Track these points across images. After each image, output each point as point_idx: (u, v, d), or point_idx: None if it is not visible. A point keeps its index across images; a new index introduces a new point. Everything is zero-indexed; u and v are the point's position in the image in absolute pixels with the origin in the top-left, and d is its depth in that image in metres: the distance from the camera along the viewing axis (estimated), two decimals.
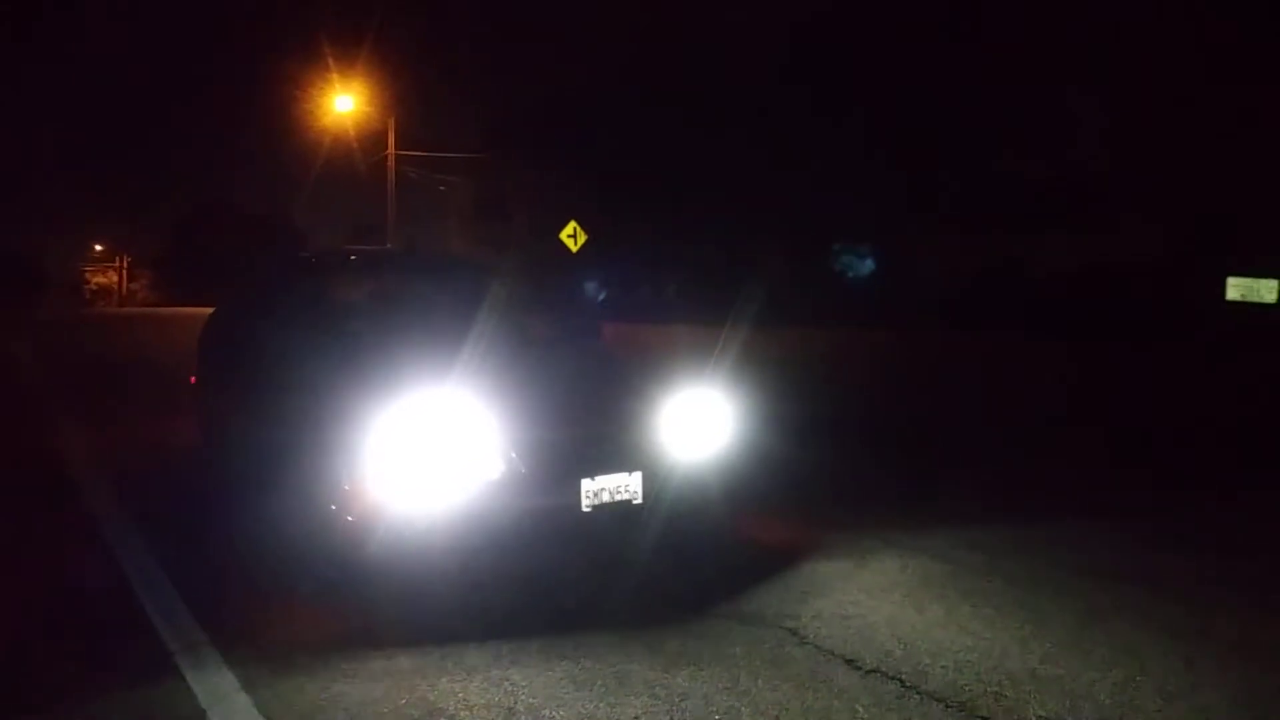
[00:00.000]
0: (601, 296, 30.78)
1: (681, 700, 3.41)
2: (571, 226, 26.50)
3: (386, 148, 32.31)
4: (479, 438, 4.37)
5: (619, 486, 4.55)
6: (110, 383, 13.23)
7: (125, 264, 35.81)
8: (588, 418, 4.67)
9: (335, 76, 30.25)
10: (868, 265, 34.28)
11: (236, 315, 6.70)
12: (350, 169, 34.33)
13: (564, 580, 4.54)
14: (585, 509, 4.47)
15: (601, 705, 3.37)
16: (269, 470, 5.19)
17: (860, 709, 3.34)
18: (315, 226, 38.47)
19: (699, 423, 4.89)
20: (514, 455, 4.38)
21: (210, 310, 7.71)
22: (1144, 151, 27.18)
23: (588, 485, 4.48)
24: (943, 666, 3.66)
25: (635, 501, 4.58)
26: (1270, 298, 25.59)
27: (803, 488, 6.53)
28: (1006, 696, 3.42)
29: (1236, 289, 26.07)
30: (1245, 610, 4.31)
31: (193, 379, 7.63)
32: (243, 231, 35.03)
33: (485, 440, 4.38)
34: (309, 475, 4.68)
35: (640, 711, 3.33)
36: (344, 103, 30.87)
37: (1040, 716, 3.28)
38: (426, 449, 4.31)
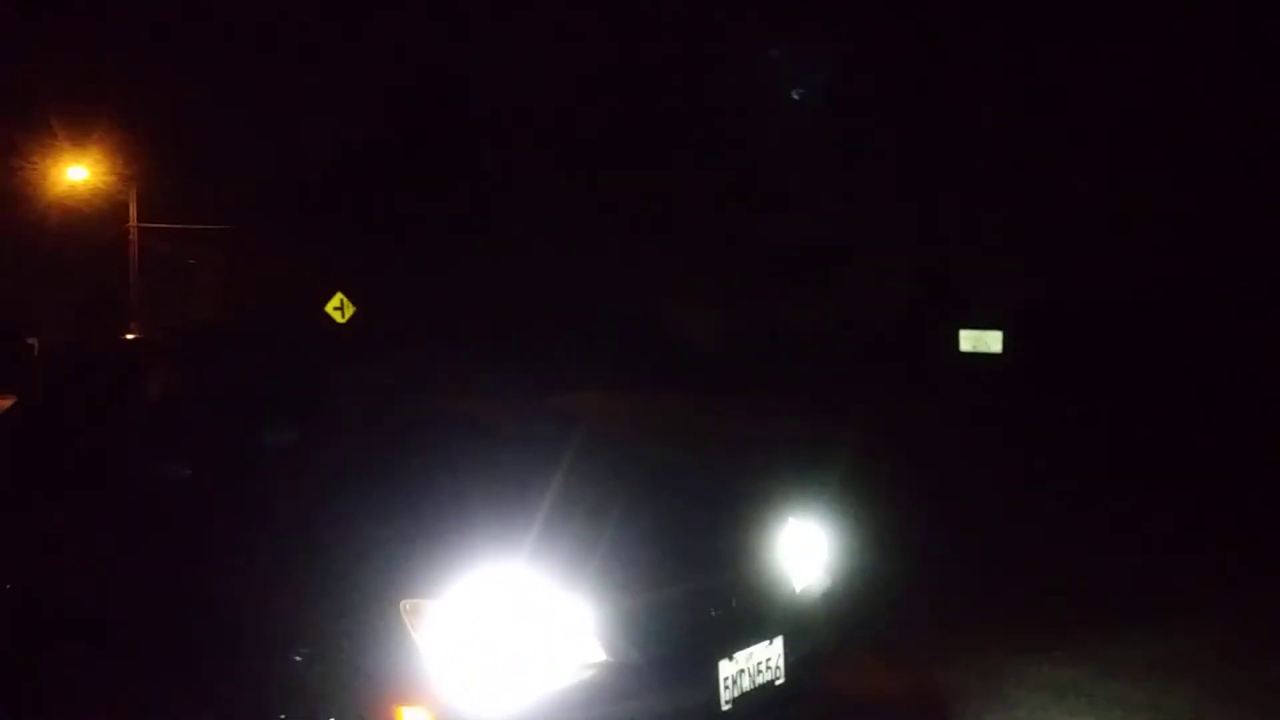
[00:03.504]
0: None
1: None
2: (338, 298, 24.07)
3: (127, 220, 28.28)
4: (569, 618, 2.70)
5: (761, 664, 2.99)
6: None
7: None
8: (708, 567, 3.07)
9: (67, 144, 26.11)
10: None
11: (85, 417, 4.40)
12: (81, 246, 29.82)
13: None
14: (724, 707, 2.88)
15: None
16: (171, 671, 3.18)
17: None
18: (43, 307, 33.05)
19: (812, 552, 3.43)
20: (622, 638, 2.74)
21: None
22: (879, 220, 28.38)
23: (726, 670, 2.89)
24: None
25: (779, 682, 3.03)
26: (996, 347, 27.17)
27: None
28: None
29: (968, 340, 27.53)
30: None
31: None
32: None
33: (578, 621, 2.71)
34: (271, 686, 2.79)
35: None
36: (77, 172, 26.69)
37: None
38: (501, 644, 2.60)
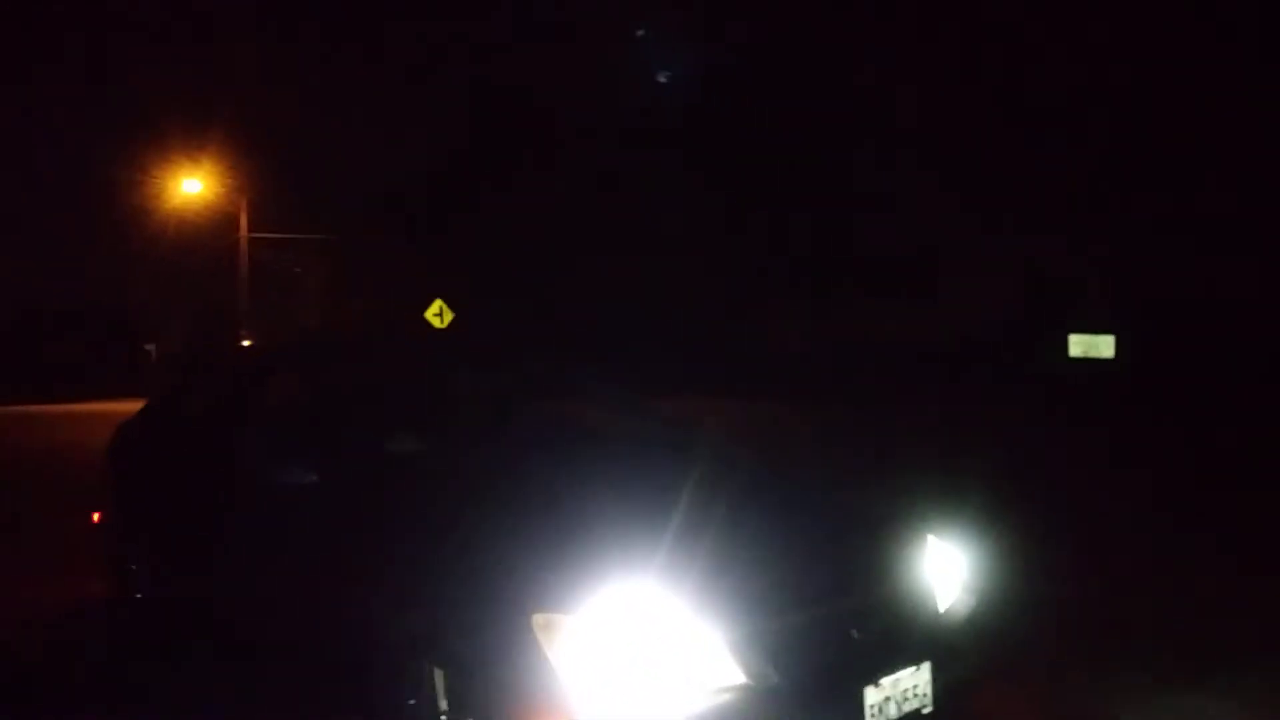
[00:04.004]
0: None
1: None
2: (438, 305, 24.48)
3: (237, 231, 29.29)
4: (706, 638, 2.56)
5: (908, 690, 2.79)
6: None
7: None
8: (849, 587, 2.89)
9: (181, 158, 27.17)
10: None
11: (209, 423, 4.43)
12: (195, 256, 30.98)
13: None
14: None
15: None
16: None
17: None
18: (159, 314, 34.47)
19: (954, 572, 3.21)
20: (762, 660, 2.58)
21: (130, 416, 5.40)
22: (984, 221, 27.48)
23: (872, 697, 2.70)
24: None
25: (926, 710, 2.83)
26: (1108, 352, 26.11)
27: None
28: None
29: (1078, 345, 26.52)
30: None
31: (96, 515, 5.36)
32: (84, 326, 30.93)
33: (716, 641, 2.57)
34: (404, 698, 2.72)
35: None
36: (191, 185, 27.75)
37: None
38: (636, 663, 2.48)
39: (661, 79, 29.82)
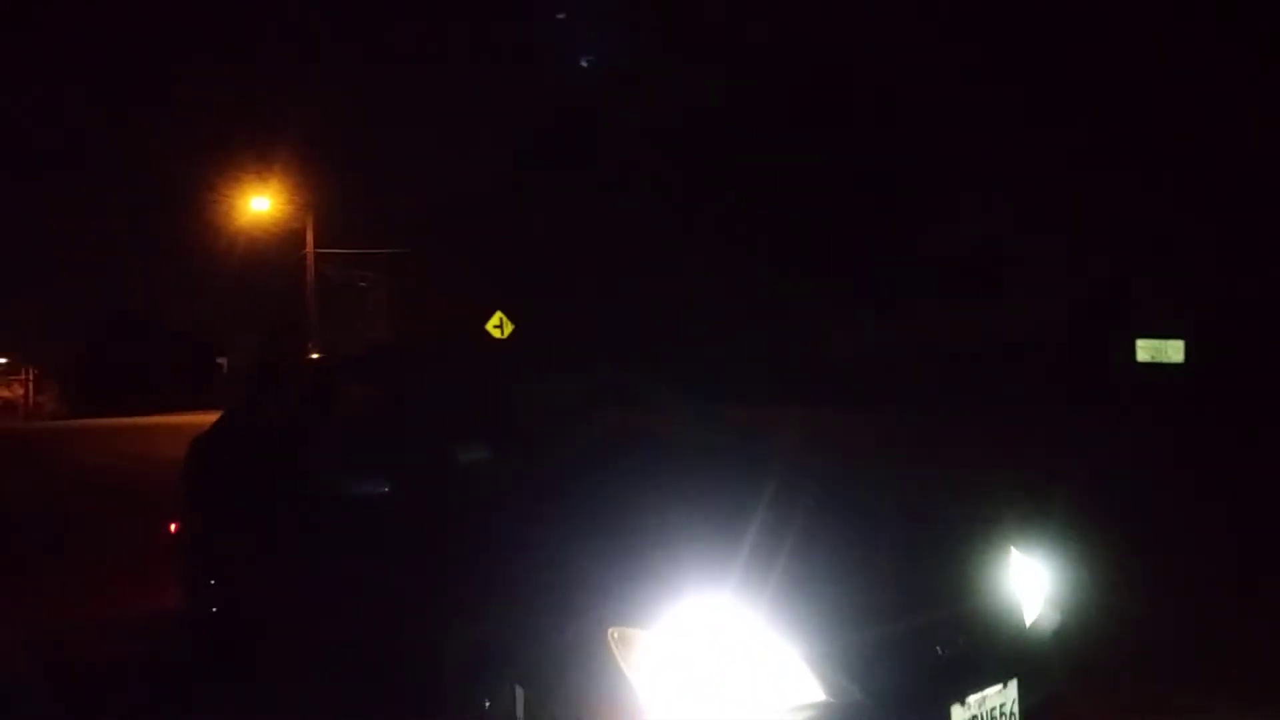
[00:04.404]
0: None
1: None
2: (498, 316, 24.70)
3: (304, 247, 29.87)
4: (786, 653, 2.49)
5: (995, 709, 2.69)
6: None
7: (32, 376, 31.94)
8: (933, 601, 2.79)
9: (250, 176, 27.82)
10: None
11: (281, 435, 4.46)
12: (263, 271, 31.67)
13: None
14: None
15: None
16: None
17: None
18: (230, 329, 35.33)
19: (1038, 586, 3.09)
20: (844, 677, 2.50)
21: (204, 429, 5.47)
22: (1037, 226, 26.84)
23: (959, 716, 2.60)
24: None
25: None
26: (1178, 357, 25.36)
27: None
28: None
29: (1146, 350, 25.80)
30: None
31: (173, 525, 5.44)
32: (157, 340, 31.84)
33: (796, 657, 2.49)
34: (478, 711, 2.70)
35: None
36: (260, 203, 28.40)
37: None
38: (715, 679, 2.41)
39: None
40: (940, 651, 2.67)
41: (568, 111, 32.74)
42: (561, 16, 30.85)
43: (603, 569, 2.64)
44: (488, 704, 2.81)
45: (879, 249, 29.02)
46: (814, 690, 2.50)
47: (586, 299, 30.91)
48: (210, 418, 5.70)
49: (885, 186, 28.73)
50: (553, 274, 31.79)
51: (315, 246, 29.88)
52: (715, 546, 2.70)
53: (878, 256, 29.02)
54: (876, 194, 28.89)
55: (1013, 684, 2.74)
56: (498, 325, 24.55)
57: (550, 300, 30.60)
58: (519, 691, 2.72)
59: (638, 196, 31.20)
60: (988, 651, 2.75)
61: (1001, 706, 2.71)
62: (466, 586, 2.89)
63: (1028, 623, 2.96)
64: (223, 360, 34.24)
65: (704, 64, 30.33)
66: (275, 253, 30.56)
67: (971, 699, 2.64)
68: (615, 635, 2.49)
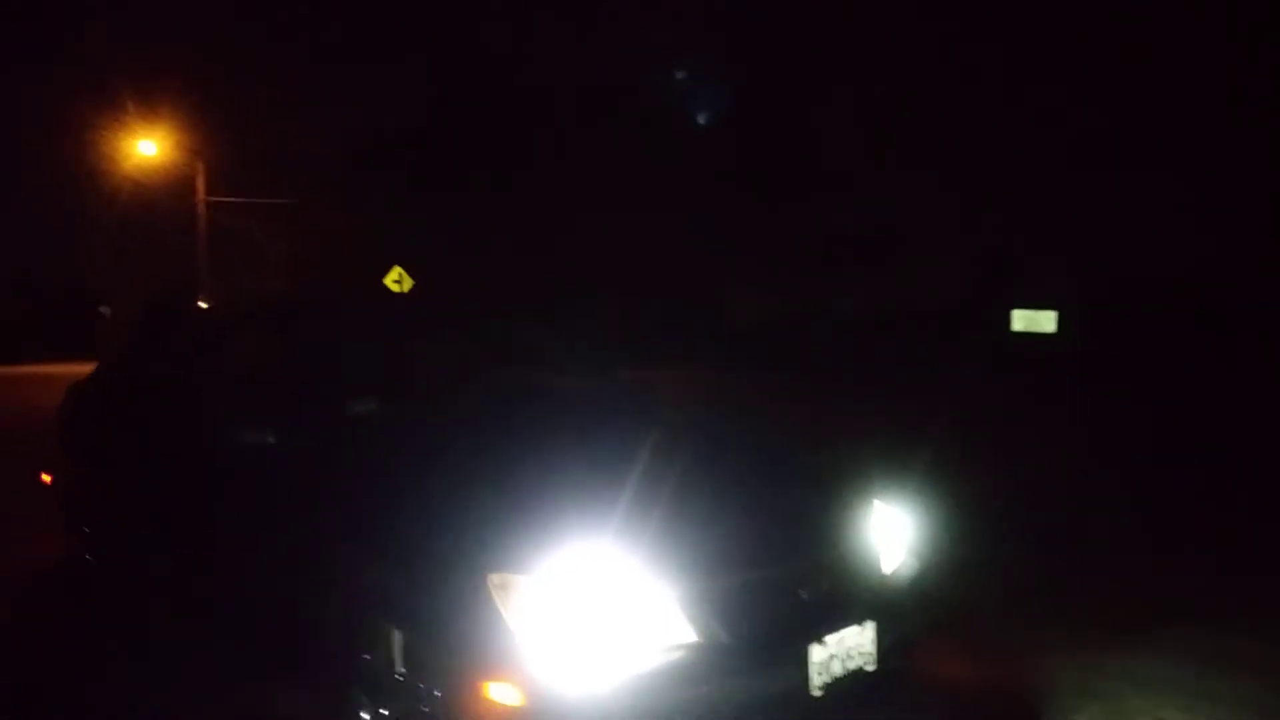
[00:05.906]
0: None
1: None
2: (396, 271, 24.18)
3: (195, 194, 28.63)
4: (659, 598, 2.59)
5: (852, 649, 2.85)
6: None
7: None
8: (797, 549, 2.92)
9: (137, 119, 26.43)
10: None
11: (165, 385, 4.34)
12: (156, 220, 30.26)
13: None
14: (815, 692, 2.74)
15: None
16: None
17: None
18: (115, 278, 33.65)
19: (899, 535, 3.27)
20: (712, 619, 2.61)
21: (81, 378, 5.27)
22: (931, 197, 27.67)
23: (818, 654, 2.75)
24: None
25: (869, 668, 2.89)
26: (1050, 327, 26.51)
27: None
28: None
29: (1020, 320, 26.91)
30: None
31: (47, 476, 5.26)
32: (33, 288, 30.16)
33: (668, 601, 2.59)
34: (358, 656, 2.73)
35: None
36: (147, 147, 27.04)
37: None
38: (590, 622, 2.50)
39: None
40: (802, 596, 2.81)
41: (471, 60, 32.07)
42: None
43: (484, 517, 2.68)
44: (368, 656, 2.84)
45: (784, 220, 29.53)
46: (686, 632, 2.61)
47: (501, 259, 30.57)
48: (87, 368, 5.50)
49: (791, 158, 29.18)
50: (468, 232, 31.33)
51: (208, 195, 28.69)
52: (595, 495, 2.77)
53: (783, 228, 29.54)
54: (783, 165, 29.33)
55: (870, 625, 2.90)
56: (397, 280, 24.02)
57: (464, 259, 30.19)
58: (399, 638, 2.75)
59: (552, 160, 30.92)
60: (847, 596, 2.90)
61: (859, 646, 2.87)
62: (350, 535, 2.90)
63: (887, 570, 3.13)
64: (105, 309, 32.65)
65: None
66: (165, 200, 29.24)
67: (830, 639, 2.79)
68: (495, 581, 2.54)
